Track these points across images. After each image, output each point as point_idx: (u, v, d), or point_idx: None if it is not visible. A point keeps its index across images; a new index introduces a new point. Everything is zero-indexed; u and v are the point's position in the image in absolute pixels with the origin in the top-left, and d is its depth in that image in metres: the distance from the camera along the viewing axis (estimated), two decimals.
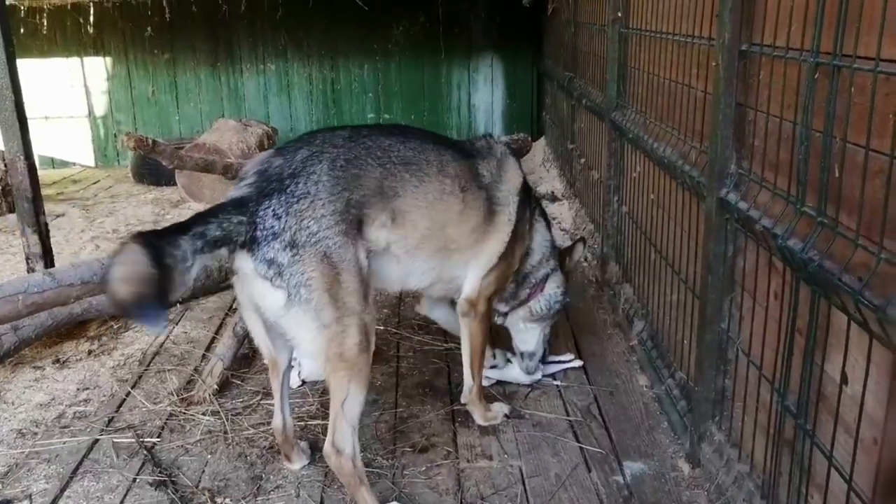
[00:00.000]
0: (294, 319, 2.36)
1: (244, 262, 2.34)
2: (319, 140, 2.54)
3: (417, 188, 2.63)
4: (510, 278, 3.10)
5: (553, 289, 3.26)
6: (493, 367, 3.42)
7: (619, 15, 4.02)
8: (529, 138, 7.64)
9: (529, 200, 3.08)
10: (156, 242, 2.15)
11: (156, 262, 2.09)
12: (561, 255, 3.34)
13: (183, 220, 2.33)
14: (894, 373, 1.55)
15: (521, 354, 3.36)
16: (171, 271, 2.14)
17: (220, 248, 2.29)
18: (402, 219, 2.59)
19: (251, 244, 2.30)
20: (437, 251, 2.75)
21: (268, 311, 2.41)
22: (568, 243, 3.79)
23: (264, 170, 2.44)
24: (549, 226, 3.28)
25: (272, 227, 2.30)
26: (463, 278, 2.94)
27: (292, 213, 2.32)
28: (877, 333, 1.52)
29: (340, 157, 2.48)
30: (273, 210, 2.32)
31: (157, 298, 2.10)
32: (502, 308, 3.26)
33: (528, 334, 3.32)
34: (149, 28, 8.23)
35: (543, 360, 3.44)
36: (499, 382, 3.40)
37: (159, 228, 2.31)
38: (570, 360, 3.56)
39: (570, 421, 3.12)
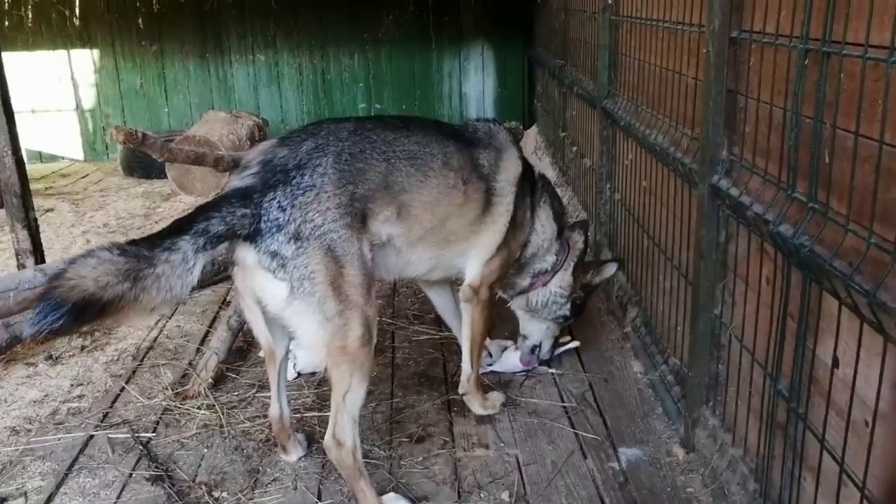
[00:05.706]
0: (296, 312, 2.35)
1: (246, 254, 2.32)
2: (324, 132, 2.52)
3: (423, 183, 2.62)
4: (512, 266, 3.10)
5: (556, 287, 3.20)
6: (489, 364, 3.41)
7: (610, 2, 4.02)
8: (521, 126, 7.66)
9: (531, 190, 3.04)
10: (138, 252, 2.11)
11: (126, 275, 2.06)
12: (585, 267, 3.26)
13: (184, 215, 2.28)
14: (885, 356, 1.56)
15: (521, 337, 3.39)
16: (141, 282, 2.10)
17: (223, 242, 2.27)
18: (406, 213, 2.58)
19: (255, 236, 2.28)
20: (437, 242, 2.74)
21: (269, 304, 2.40)
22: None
23: (269, 160, 2.41)
24: (558, 217, 3.17)
25: (277, 218, 2.28)
26: (462, 265, 2.94)
27: (297, 206, 2.30)
28: (867, 317, 1.53)
29: (345, 151, 2.46)
30: (278, 201, 2.29)
31: (87, 312, 2.02)
32: (503, 295, 3.26)
33: (530, 324, 3.34)
34: (139, 20, 8.17)
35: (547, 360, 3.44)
36: (493, 371, 3.40)
37: (158, 231, 2.25)
38: (566, 343, 3.56)
39: (565, 408, 3.13)
